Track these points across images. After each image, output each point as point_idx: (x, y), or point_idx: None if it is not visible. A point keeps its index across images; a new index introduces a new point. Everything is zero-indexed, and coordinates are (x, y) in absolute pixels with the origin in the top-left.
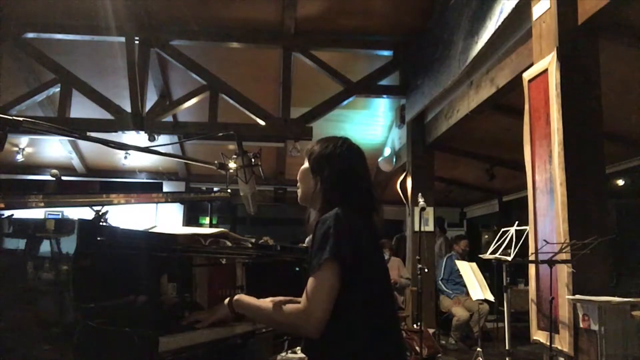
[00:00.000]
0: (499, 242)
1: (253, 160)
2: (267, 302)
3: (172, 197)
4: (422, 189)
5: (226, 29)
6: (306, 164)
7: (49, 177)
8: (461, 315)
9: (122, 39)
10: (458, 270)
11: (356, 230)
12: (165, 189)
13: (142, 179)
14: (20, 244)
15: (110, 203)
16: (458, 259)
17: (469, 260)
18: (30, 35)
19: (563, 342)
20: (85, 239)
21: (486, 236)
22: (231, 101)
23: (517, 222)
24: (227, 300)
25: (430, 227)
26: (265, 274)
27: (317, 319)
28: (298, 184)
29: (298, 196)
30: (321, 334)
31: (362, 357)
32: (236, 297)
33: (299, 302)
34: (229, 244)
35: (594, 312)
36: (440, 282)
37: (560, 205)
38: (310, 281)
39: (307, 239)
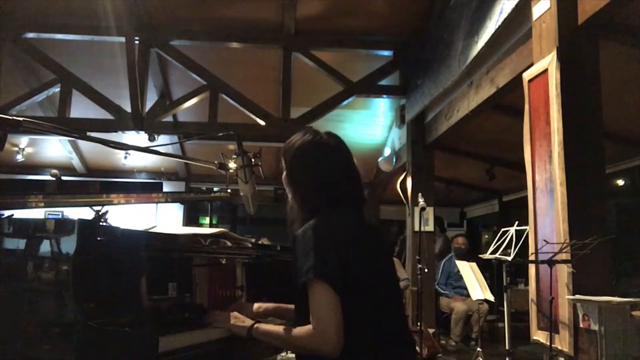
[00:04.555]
0: (499, 242)
1: (253, 160)
2: (283, 330)
3: (172, 197)
4: (422, 189)
5: (226, 29)
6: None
7: (49, 177)
8: (459, 308)
9: (122, 39)
10: (457, 272)
11: (340, 238)
12: (165, 189)
13: (142, 179)
14: (20, 244)
15: (110, 203)
16: (459, 259)
17: (469, 260)
18: (30, 35)
19: (563, 342)
20: (85, 239)
21: (486, 236)
22: (231, 101)
23: (517, 222)
24: (247, 324)
25: (430, 227)
26: (265, 274)
27: (332, 339)
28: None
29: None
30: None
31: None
32: (256, 325)
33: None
34: (229, 244)
35: (594, 312)
36: (437, 286)
37: (560, 205)
38: (310, 304)
39: None
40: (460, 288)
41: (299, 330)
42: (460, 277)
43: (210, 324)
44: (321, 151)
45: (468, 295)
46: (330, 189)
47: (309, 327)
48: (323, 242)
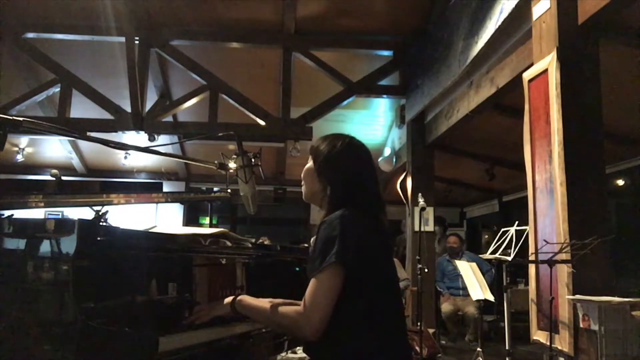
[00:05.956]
0: (499, 242)
1: (253, 160)
2: (267, 304)
3: (172, 197)
4: (422, 189)
5: (226, 29)
6: (310, 163)
7: (49, 177)
8: (445, 309)
9: (122, 39)
10: (451, 271)
11: (362, 233)
12: (165, 189)
13: (142, 179)
14: (20, 244)
15: (110, 203)
16: (452, 257)
17: (461, 256)
18: (30, 35)
19: (563, 342)
20: (85, 239)
21: (486, 236)
22: (231, 101)
23: (517, 222)
24: (230, 299)
25: (430, 227)
26: (265, 274)
27: (314, 323)
28: (302, 182)
29: (303, 193)
30: (321, 336)
31: (365, 358)
32: (239, 297)
33: (298, 305)
34: (229, 244)
35: (594, 312)
36: (436, 284)
37: (560, 205)
38: (312, 284)
39: (312, 239)
40: (454, 288)
41: (285, 309)
42: (454, 277)
43: (196, 320)
44: (356, 154)
45: (464, 295)
46: (357, 190)
47: (297, 307)
48: (348, 231)
